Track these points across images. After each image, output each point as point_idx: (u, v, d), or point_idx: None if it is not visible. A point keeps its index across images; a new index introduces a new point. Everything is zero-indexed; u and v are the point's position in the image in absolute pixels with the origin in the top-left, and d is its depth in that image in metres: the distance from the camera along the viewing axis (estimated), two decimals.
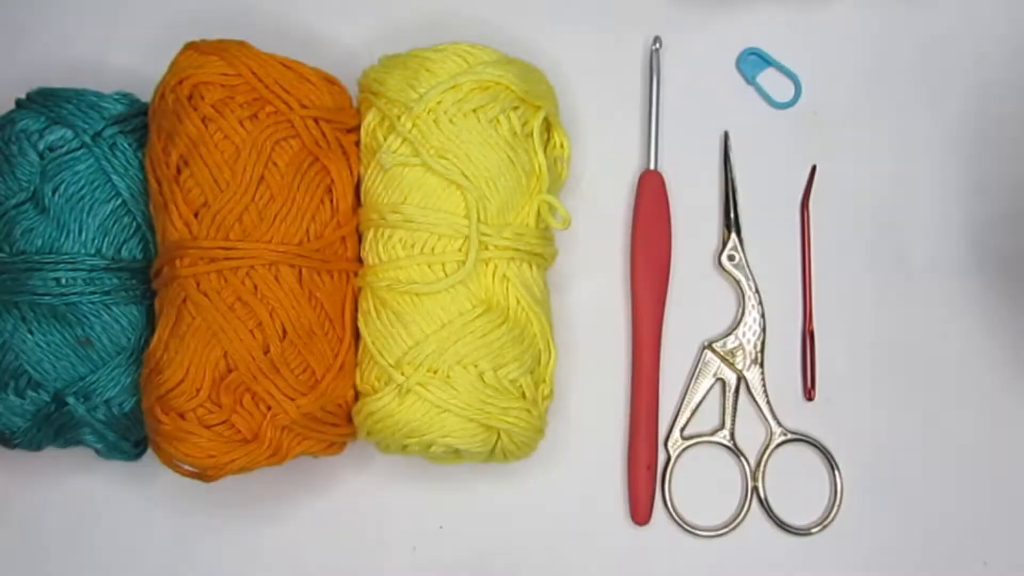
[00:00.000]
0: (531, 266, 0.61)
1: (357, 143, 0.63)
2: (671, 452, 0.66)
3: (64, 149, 0.61)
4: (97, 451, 0.63)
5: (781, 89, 0.69)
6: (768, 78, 0.69)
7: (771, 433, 0.66)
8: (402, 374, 0.59)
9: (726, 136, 0.68)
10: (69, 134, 0.61)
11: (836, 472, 0.66)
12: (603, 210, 0.68)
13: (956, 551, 0.66)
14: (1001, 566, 0.66)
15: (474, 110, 0.60)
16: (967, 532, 0.66)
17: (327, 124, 0.61)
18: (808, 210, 0.68)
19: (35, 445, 0.62)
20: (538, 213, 0.61)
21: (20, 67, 0.68)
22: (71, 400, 0.60)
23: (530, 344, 0.61)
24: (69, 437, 0.62)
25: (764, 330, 0.66)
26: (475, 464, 0.63)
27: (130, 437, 0.63)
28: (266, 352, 0.59)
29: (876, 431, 0.66)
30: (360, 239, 0.63)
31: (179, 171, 0.60)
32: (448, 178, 0.60)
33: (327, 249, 0.61)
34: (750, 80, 0.69)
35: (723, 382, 0.67)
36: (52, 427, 0.61)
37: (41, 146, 0.61)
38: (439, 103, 0.60)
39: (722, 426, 0.66)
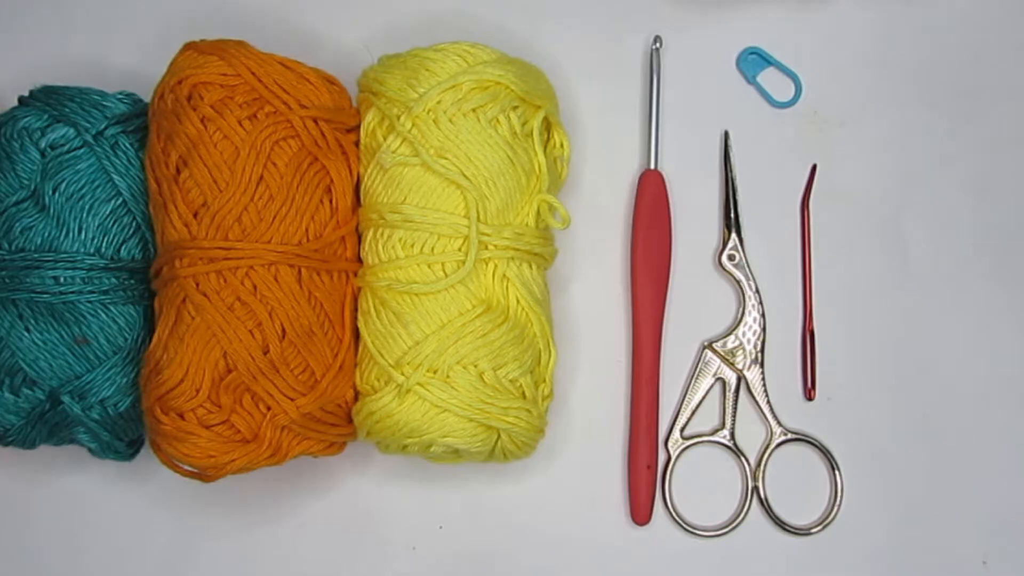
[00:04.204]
0: (531, 266, 0.61)
1: (357, 143, 0.63)
2: (671, 452, 0.66)
3: (66, 148, 0.61)
4: (91, 451, 0.63)
5: (781, 89, 0.69)
6: (768, 78, 0.69)
7: (771, 433, 0.66)
8: (402, 374, 0.59)
9: (726, 136, 0.68)
10: (71, 132, 0.61)
11: (836, 472, 0.66)
12: (603, 210, 0.68)
13: (956, 551, 0.66)
14: (1001, 566, 0.66)
15: (474, 110, 0.60)
16: (967, 532, 0.66)
17: (326, 124, 0.61)
18: (808, 210, 0.68)
19: (29, 443, 0.62)
20: (538, 213, 0.61)
21: (21, 66, 0.68)
22: (66, 399, 0.60)
23: (530, 344, 0.61)
24: (63, 436, 0.62)
25: (764, 330, 0.66)
26: (475, 464, 0.63)
27: (124, 437, 0.63)
28: (265, 352, 0.59)
29: (876, 431, 0.66)
30: (360, 239, 0.63)
31: (178, 171, 0.60)
32: (448, 178, 0.60)
33: (326, 249, 0.61)
34: (750, 80, 0.69)
35: (723, 382, 0.67)
36: (46, 425, 0.61)
37: (43, 144, 0.61)
38: (439, 103, 0.60)
39: (722, 426, 0.66)
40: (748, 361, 0.66)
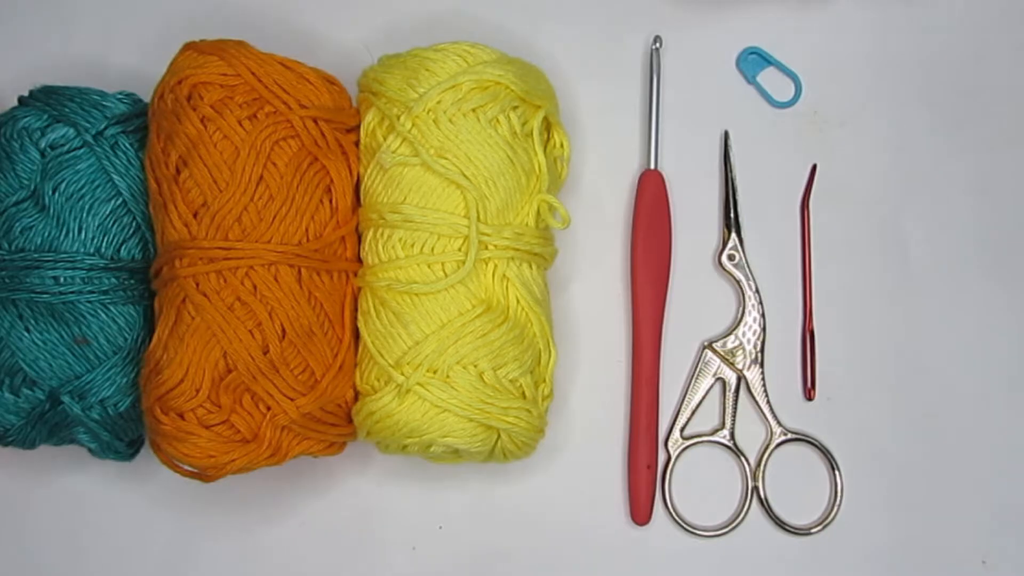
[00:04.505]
0: (531, 266, 0.61)
1: (357, 143, 0.63)
2: (671, 452, 0.66)
3: (66, 148, 0.61)
4: (91, 451, 0.63)
5: (781, 89, 0.69)
6: (768, 78, 0.69)
7: (771, 433, 0.66)
8: (402, 374, 0.59)
9: (726, 136, 0.68)
10: (71, 132, 0.61)
11: (836, 472, 0.66)
12: (603, 210, 0.68)
13: (956, 551, 0.66)
14: (1001, 565, 0.66)
15: (474, 110, 0.60)
16: (967, 532, 0.66)
17: (326, 124, 0.61)
18: (808, 210, 0.68)
19: (29, 443, 0.62)
20: (538, 213, 0.61)
21: (21, 66, 0.68)
22: (66, 399, 0.60)
23: (530, 344, 0.61)
24: (63, 436, 0.62)
25: (764, 330, 0.66)
26: (475, 464, 0.63)
27: (124, 437, 0.63)
28: (265, 352, 0.59)
29: (876, 431, 0.66)
30: (360, 239, 0.63)
31: (178, 171, 0.60)
32: (448, 178, 0.60)
33: (326, 249, 0.61)
34: (750, 80, 0.69)
35: (723, 382, 0.66)
36: (46, 426, 0.61)
37: (43, 144, 0.61)
38: (439, 103, 0.60)
39: (722, 426, 0.66)
40: (748, 361, 0.66)
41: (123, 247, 0.62)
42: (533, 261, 0.61)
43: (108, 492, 0.66)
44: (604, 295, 0.67)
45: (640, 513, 0.65)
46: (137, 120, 0.62)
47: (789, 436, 0.66)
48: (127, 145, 0.62)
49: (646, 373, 0.65)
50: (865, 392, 0.67)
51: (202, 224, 0.59)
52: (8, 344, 0.60)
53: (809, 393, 0.66)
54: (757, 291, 0.67)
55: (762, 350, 0.66)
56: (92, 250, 0.61)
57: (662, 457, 0.66)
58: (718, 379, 0.67)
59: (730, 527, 0.66)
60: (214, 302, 0.58)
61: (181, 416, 0.58)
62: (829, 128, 0.69)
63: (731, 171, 0.68)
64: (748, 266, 0.67)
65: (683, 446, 0.66)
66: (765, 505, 0.66)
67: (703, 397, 0.66)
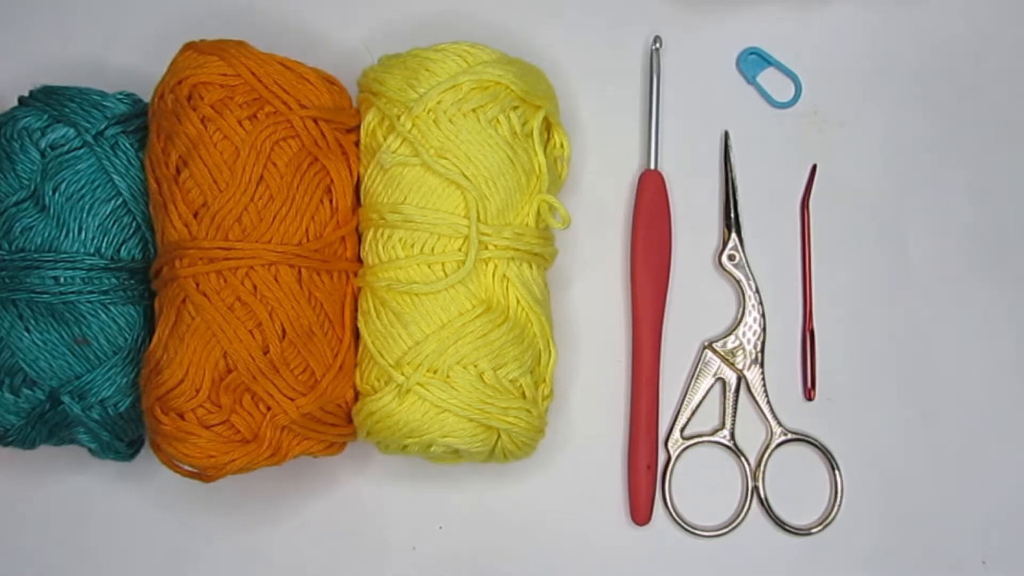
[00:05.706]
0: (531, 266, 0.61)
1: (357, 143, 0.63)
2: (671, 452, 0.66)
3: (66, 148, 0.61)
4: (91, 451, 0.63)
5: (781, 89, 0.69)
6: (768, 78, 0.69)
7: (771, 433, 0.66)
8: (402, 374, 0.59)
9: (726, 136, 0.68)
10: (71, 133, 0.61)
11: (836, 472, 0.66)
12: (603, 210, 0.68)
13: (956, 551, 0.66)
14: (1001, 566, 0.66)
15: (474, 110, 0.60)
16: (967, 532, 0.66)
17: (326, 124, 0.61)
18: (808, 210, 0.68)
19: (29, 443, 0.62)
20: (538, 213, 0.61)
21: (21, 66, 0.68)
22: (66, 399, 0.60)
23: (530, 344, 0.61)
24: (63, 436, 0.62)
25: (764, 330, 0.66)
26: (475, 464, 0.63)
27: (124, 437, 0.63)
28: (266, 352, 0.59)
29: (876, 431, 0.66)
30: (360, 239, 0.63)
31: (178, 171, 0.60)
32: (448, 178, 0.60)
33: (326, 249, 0.61)
34: (750, 80, 0.69)
35: (723, 382, 0.66)
36: (46, 426, 0.61)
37: (43, 144, 0.61)
38: (439, 103, 0.60)
39: (722, 426, 0.66)
40: (748, 361, 0.66)
41: (123, 247, 0.62)
42: (533, 261, 0.61)
43: (108, 492, 0.66)
44: (604, 295, 0.67)
45: (640, 513, 0.65)
46: (137, 120, 0.62)
47: (789, 436, 0.66)
48: (127, 145, 0.62)
49: (646, 373, 0.65)
50: (865, 392, 0.67)
51: (202, 224, 0.59)
52: (8, 344, 0.60)
53: (809, 393, 0.66)
54: (757, 291, 0.67)
55: (762, 350, 0.66)
56: (92, 250, 0.61)
57: (662, 457, 0.66)
58: (718, 379, 0.67)
59: (730, 527, 0.66)
60: (214, 302, 0.58)
61: (181, 416, 0.58)
62: (829, 128, 0.69)
63: (731, 171, 0.68)
64: (748, 266, 0.67)
65: (683, 446, 0.66)
66: (765, 505, 0.66)
67: (703, 397, 0.66)
